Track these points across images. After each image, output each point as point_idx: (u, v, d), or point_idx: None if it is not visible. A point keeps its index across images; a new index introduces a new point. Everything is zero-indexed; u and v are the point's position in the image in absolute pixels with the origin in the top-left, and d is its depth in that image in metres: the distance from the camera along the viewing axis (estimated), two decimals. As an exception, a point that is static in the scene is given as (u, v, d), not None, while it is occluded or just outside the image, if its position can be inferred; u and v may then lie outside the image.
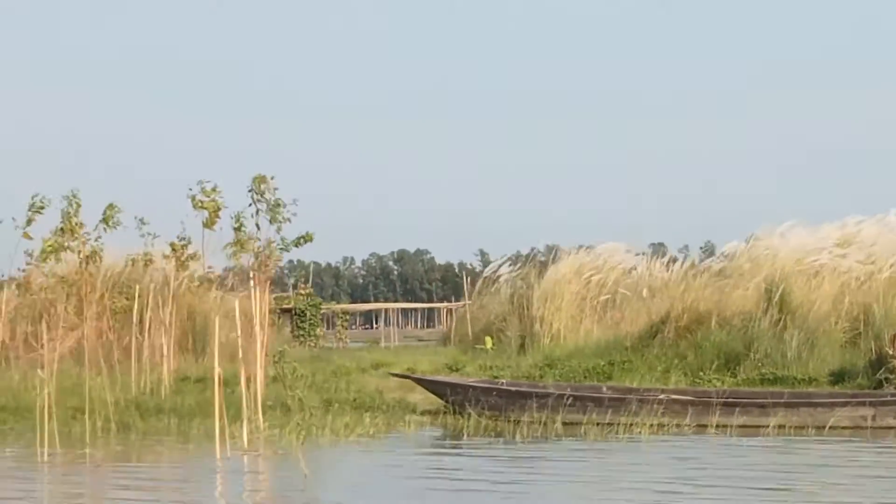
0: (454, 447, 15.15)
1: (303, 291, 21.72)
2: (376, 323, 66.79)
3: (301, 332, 30.63)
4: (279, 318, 30.93)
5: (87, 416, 16.71)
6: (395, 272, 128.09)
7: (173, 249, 20.70)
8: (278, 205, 15.13)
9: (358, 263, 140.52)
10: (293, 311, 30.44)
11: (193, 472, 13.26)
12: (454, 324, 33.76)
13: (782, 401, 16.00)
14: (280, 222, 15.07)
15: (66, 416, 17.59)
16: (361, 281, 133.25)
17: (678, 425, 15.93)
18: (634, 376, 20.92)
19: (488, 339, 28.53)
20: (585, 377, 21.15)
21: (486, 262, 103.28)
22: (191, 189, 14.83)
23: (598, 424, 16.17)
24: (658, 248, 32.27)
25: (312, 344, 30.88)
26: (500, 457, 14.11)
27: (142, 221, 19.64)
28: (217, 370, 14.45)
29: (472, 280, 33.95)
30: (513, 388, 17.50)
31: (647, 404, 16.23)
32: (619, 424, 15.91)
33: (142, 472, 13.30)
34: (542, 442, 15.19)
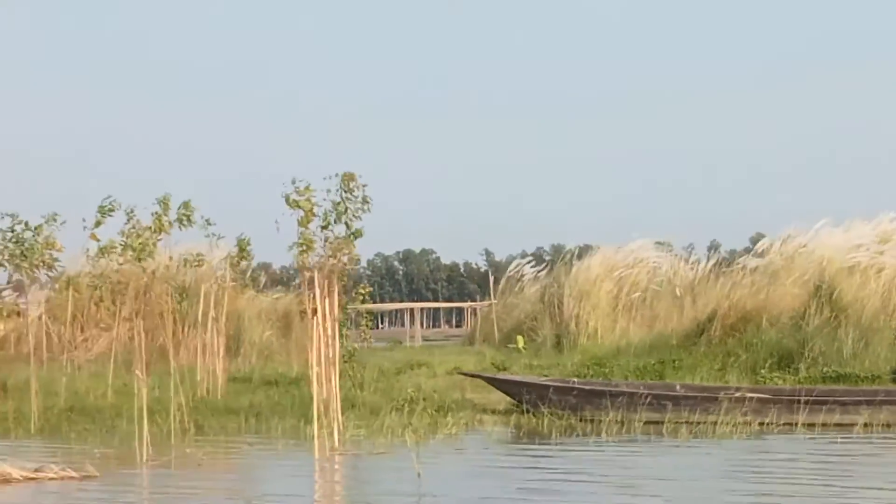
0: (544, 445, 15.07)
1: (363, 290, 21.55)
2: (392, 323, 66.60)
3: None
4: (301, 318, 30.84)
5: (161, 416, 16.58)
6: (401, 272, 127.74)
7: (241, 249, 20.56)
8: (366, 201, 15.01)
9: (363, 263, 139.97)
10: (316, 312, 30.28)
11: (300, 471, 13.13)
12: (479, 323, 33.79)
13: (879, 399, 15.96)
14: (356, 219, 14.94)
15: (136, 417, 17.48)
16: (367, 281, 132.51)
17: (761, 424, 15.90)
18: (686, 374, 20.95)
19: (520, 339, 28.53)
20: (637, 375, 21.13)
21: (491, 262, 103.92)
22: (286, 187, 14.68)
23: (677, 423, 16.14)
24: (688, 246, 32.18)
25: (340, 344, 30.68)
26: (597, 454, 14.06)
27: (208, 222, 19.50)
28: (315, 370, 14.33)
29: (496, 279, 33.89)
30: (591, 388, 17.44)
31: (725, 403, 16.19)
32: (697, 423, 15.91)
33: (249, 472, 13.20)
34: (632, 441, 15.15)
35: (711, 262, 29.76)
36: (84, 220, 17.94)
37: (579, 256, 30.30)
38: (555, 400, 17.14)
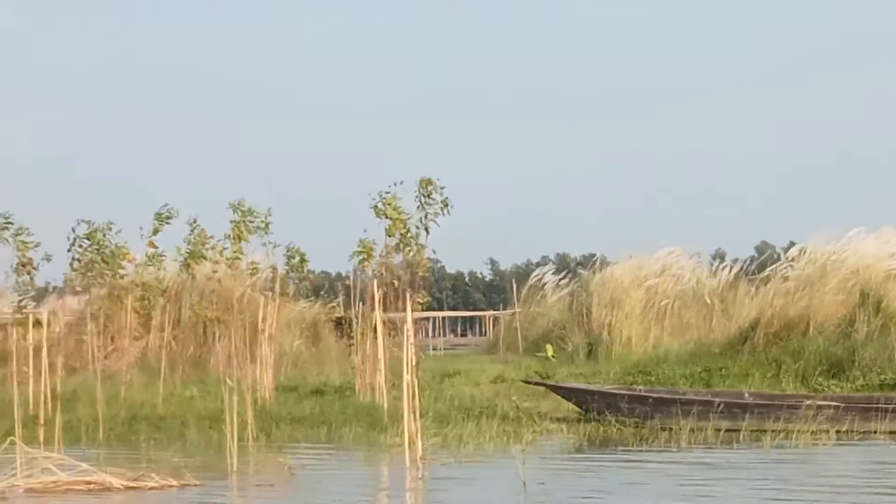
0: (628, 453, 14.93)
1: (420, 300, 21.29)
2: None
3: (352, 341, 30.27)
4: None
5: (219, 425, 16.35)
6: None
7: (301, 258, 20.41)
8: (446, 204, 14.85)
9: (368, 273, 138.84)
10: (342, 320, 30.17)
11: (403, 479, 12.96)
12: (501, 331, 33.66)
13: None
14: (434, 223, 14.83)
15: (202, 426, 17.33)
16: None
17: (838, 432, 15.81)
18: (735, 382, 20.88)
19: (549, 347, 28.39)
20: (684, 383, 21.06)
21: (496, 272, 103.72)
22: (373, 198, 14.59)
23: (753, 431, 16.05)
24: (717, 252, 32.14)
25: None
26: (689, 462, 13.94)
27: (266, 228, 19.34)
28: (406, 379, 14.16)
29: (519, 288, 33.74)
30: (661, 395, 17.33)
31: (800, 411, 16.11)
32: (773, 431, 15.81)
33: (349, 480, 13.03)
34: (716, 448, 15.03)
35: (733, 269, 29.72)
36: (142, 229, 17.82)
37: (602, 265, 30.22)
38: (624, 408, 17.02)
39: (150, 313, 26.91)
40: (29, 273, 17.83)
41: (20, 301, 17.55)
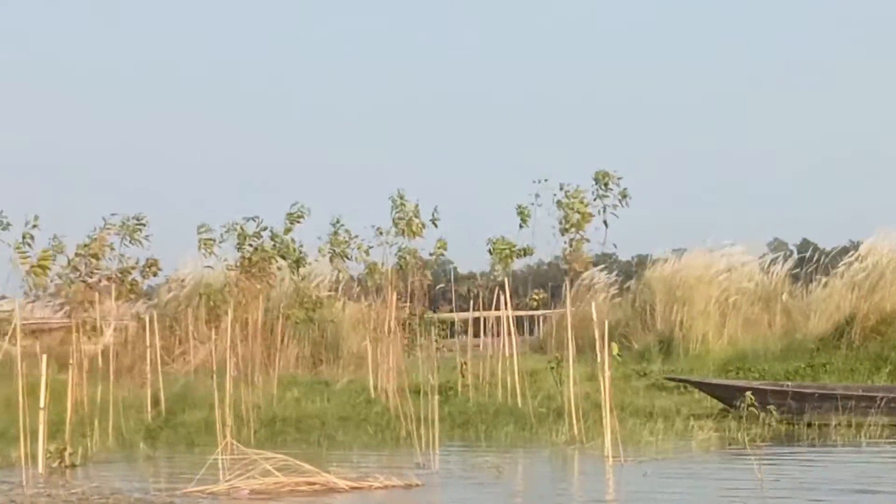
0: (813, 450, 14.62)
1: (536, 297, 20.96)
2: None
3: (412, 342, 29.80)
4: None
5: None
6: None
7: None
8: (624, 195, 14.54)
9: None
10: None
11: (620, 479, 12.57)
12: (553, 330, 33.19)
13: None
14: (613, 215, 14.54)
15: (345, 427, 16.91)
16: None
17: None
18: (843, 377, 20.65)
19: (614, 345, 27.97)
20: (789, 378, 20.76)
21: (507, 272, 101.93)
22: (554, 194, 14.30)
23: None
24: (781, 247, 31.95)
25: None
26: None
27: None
28: (606, 376, 13.76)
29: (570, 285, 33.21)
30: (814, 391, 17.03)
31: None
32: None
33: (558, 480, 12.64)
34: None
35: (784, 265, 29.48)
36: (270, 230, 17.38)
37: (657, 263, 29.89)
38: (773, 404, 16.68)
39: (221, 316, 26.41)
40: (154, 274, 17.37)
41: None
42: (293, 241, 17.28)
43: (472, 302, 22.57)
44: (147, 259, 17.22)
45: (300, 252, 17.41)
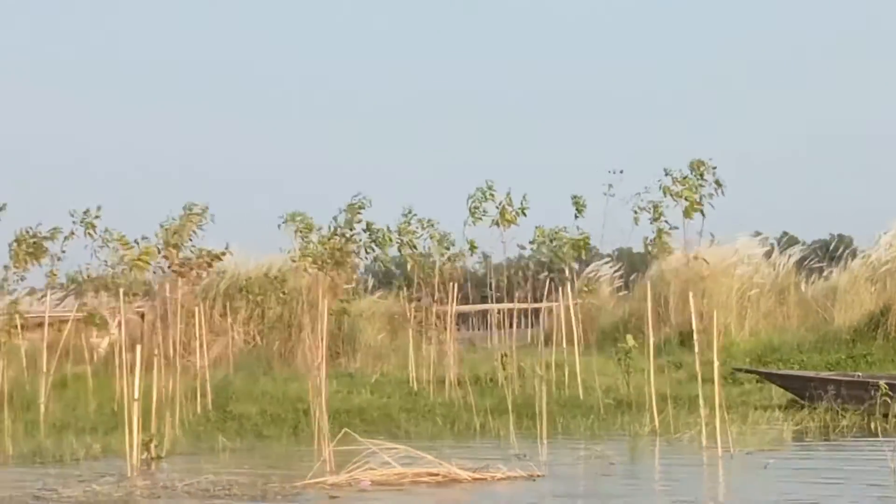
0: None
1: (587, 287, 20.62)
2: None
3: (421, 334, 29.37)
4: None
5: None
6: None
7: (471, 246, 19.56)
8: (719, 184, 14.20)
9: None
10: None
11: (742, 472, 12.22)
12: (563, 324, 32.81)
13: None
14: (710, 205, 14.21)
15: (411, 419, 16.46)
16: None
17: None
18: (883, 367, 20.43)
19: (629, 338, 27.68)
20: (830, 369, 20.52)
21: (487, 265, 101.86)
22: (659, 180, 13.96)
23: None
24: (791, 239, 31.75)
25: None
26: None
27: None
28: (716, 366, 13.39)
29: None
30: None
31: None
32: None
33: (672, 474, 12.26)
34: None
35: (792, 257, 29.35)
36: (336, 220, 16.96)
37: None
38: (846, 395, 16.40)
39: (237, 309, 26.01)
40: (211, 264, 16.85)
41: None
42: (388, 228, 16.81)
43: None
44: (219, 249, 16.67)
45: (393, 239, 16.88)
